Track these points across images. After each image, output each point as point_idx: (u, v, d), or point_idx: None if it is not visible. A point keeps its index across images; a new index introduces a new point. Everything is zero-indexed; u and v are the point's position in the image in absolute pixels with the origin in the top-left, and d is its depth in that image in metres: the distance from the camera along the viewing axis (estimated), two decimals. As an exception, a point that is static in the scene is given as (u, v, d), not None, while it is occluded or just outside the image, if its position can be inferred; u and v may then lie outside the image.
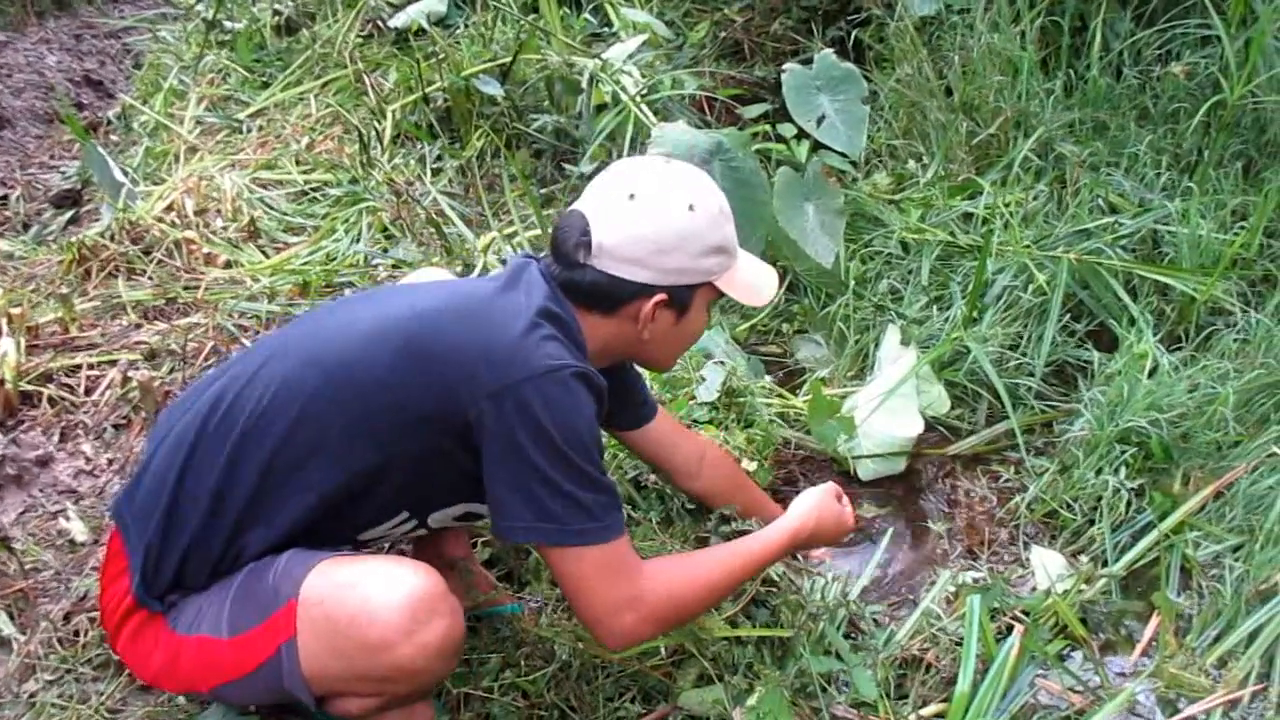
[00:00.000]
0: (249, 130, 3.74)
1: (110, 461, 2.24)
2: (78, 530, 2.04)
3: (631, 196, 1.45)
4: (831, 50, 3.20)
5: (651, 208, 1.45)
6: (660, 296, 1.48)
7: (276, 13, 4.35)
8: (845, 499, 1.76)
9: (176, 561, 1.39)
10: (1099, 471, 2.28)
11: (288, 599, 1.32)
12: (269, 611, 1.33)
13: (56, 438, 2.30)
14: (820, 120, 2.87)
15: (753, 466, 2.21)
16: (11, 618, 1.84)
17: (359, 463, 1.39)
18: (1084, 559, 2.17)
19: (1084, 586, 2.06)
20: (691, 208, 1.46)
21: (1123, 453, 2.28)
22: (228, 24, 4.41)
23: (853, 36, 3.81)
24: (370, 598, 1.29)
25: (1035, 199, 2.95)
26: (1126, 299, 2.62)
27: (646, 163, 1.54)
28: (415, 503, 1.50)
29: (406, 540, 1.90)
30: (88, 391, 2.43)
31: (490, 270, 2.76)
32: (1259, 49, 2.85)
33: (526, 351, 1.36)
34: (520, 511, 1.36)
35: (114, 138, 4.27)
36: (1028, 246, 2.74)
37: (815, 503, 1.68)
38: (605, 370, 1.58)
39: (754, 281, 1.60)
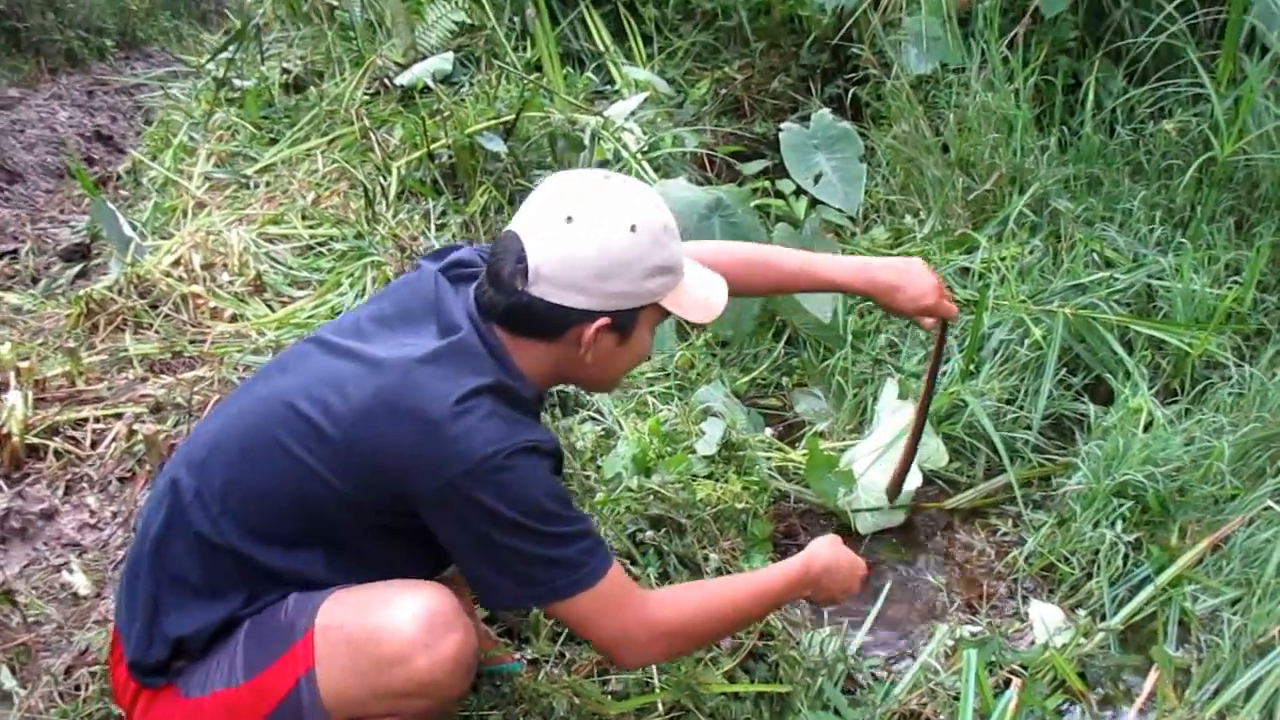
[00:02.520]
0: (256, 186, 3.79)
1: (114, 515, 2.25)
2: (80, 584, 2.05)
3: (569, 219, 1.37)
4: (829, 109, 3.27)
5: (591, 231, 1.36)
6: (603, 321, 1.40)
7: (285, 71, 4.43)
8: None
9: (168, 645, 1.39)
10: (1096, 525, 2.29)
11: (305, 630, 1.34)
12: (287, 645, 1.35)
13: (61, 491, 2.32)
14: (818, 178, 2.92)
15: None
16: (13, 671, 1.84)
17: (338, 552, 1.41)
18: (1082, 613, 2.18)
19: (1082, 640, 2.06)
20: (633, 229, 1.37)
21: (1120, 506, 2.29)
22: (237, 82, 4.50)
23: (850, 94, 3.89)
24: (388, 614, 1.32)
25: (1031, 254, 2.99)
26: (1122, 353, 2.65)
27: (585, 180, 1.45)
28: (420, 565, 1.48)
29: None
30: (93, 445, 2.45)
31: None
32: (1248, 107, 2.90)
33: (460, 444, 1.31)
34: (502, 585, 1.37)
35: (123, 192, 4.34)
36: (1024, 301, 2.78)
37: (829, 544, 1.65)
38: None
39: (702, 297, 1.52)
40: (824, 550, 1.63)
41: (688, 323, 1.64)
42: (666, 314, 1.51)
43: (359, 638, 1.32)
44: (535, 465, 1.35)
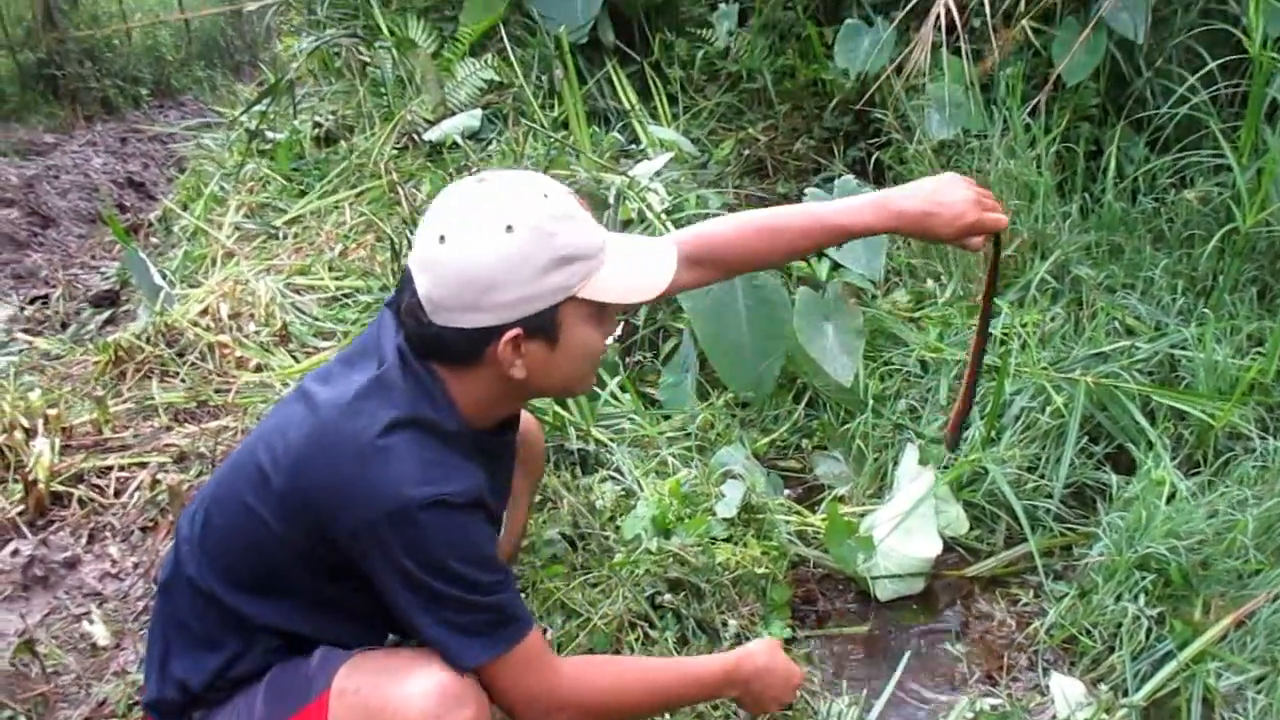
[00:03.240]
0: (285, 237, 3.86)
1: (135, 565, 2.27)
2: (100, 634, 2.06)
3: (442, 239, 1.30)
4: (852, 174, 3.29)
5: (463, 245, 1.29)
6: (512, 333, 1.32)
7: (317, 124, 4.52)
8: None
9: (176, 687, 1.43)
10: (1118, 598, 2.27)
11: (321, 692, 1.35)
12: (303, 703, 1.36)
13: (85, 539, 2.35)
14: (840, 243, 2.93)
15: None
16: (31, 722, 1.85)
17: (300, 599, 1.43)
18: (1104, 687, 2.15)
19: (1104, 716, 2.04)
20: (510, 229, 1.28)
21: (1142, 579, 2.27)
22: (269, 134, 4.58)
23: (873, 157, 3.92)
24: (403, 685, 1.32)
25: (1052, 320, 3.00)
26: (1144, 423, 2.64)
27: (457, 192, 1.36)
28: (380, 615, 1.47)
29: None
30: (117, 493, 2.48)
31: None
32: (1270, 179, 2.91)
33: (374, 488, 1.29)
34: (436, 647, 1.35)
35: (154, 240, 4.42)
36: (1045, 368, 2.78)
37: (767, 647, 1.63)
38: None
39: (630, 280, 1.41)
40: (760, 653, 1.60)
41: (620, 311, 1.53)
42: (597, 304, 1.39)
43: (372, 707, 1.32)
44: (443, 521, 1.29)
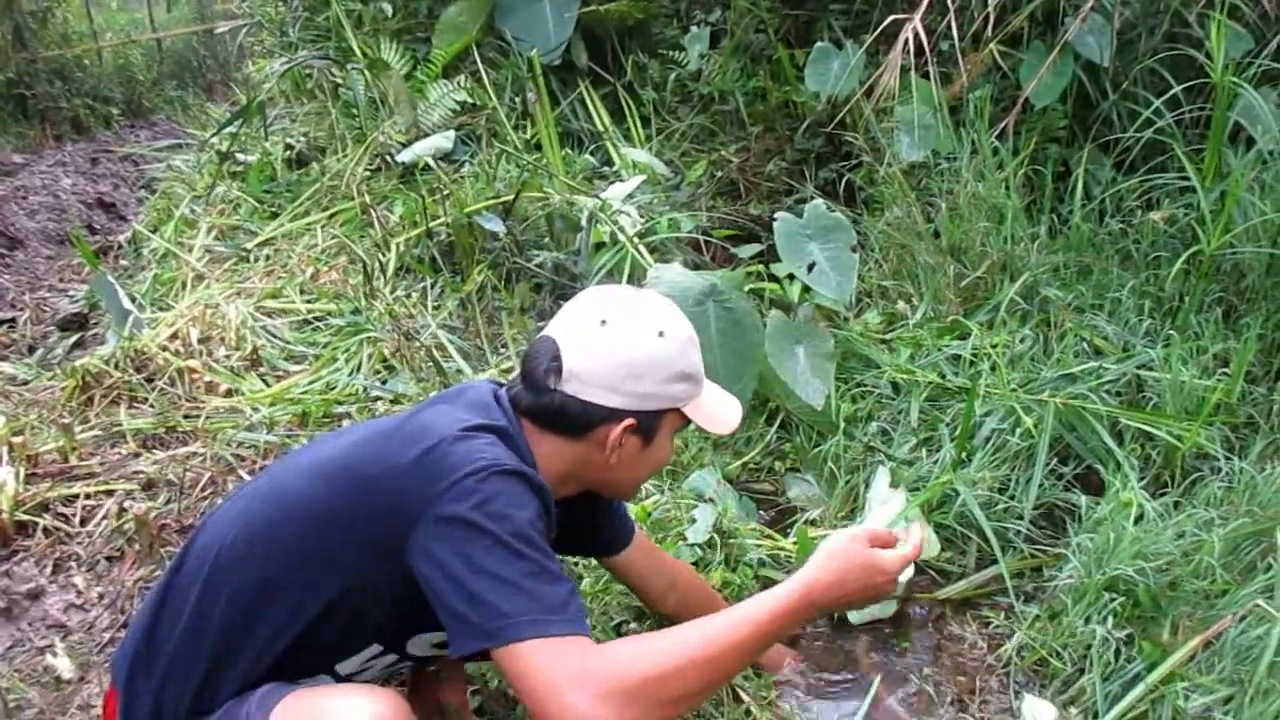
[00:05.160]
0: (256, 259, 3.84)
1: (101, 596, 2.24)
2: (64, 667, 2.03)
3: (603, 323, 1.48)
4: (822, 199, 3.32)
5: (623, 333, 1.48)
6: (629, 421, 1.49)
7: (288, 146, 4.51)
8: (900, 543, 1.48)
9: (149, 707, 1.43)
10: (1088, 620, 2.28)
11: None
12: None
13: (49, 570, 2.32)
14: (811, 267, 2.96)
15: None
16: (-8, 759, 1.82)
17: (316, 595, 1.41)
18: (1075, 710, 2.16)
19: (1075, 739, 2.04)
20: (662, 334, 1.49)
21: (1111, 600, 2.28)
22: (240, 156, 4.57)
23: (844, 179, 3.95)
24: (336, 717, 1.29)
25: (1021, 342, 3.02)
26: (1112, 444, 2.66)
27: (618, 291, 1.57)
28: (382, 632, 1.50)
29: (397, 679, 1.91)
30: (83, 522, 2.45)
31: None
32: (1234, 201, 2.95)
33: (455, 455, 1.34)
34: (466, 616, 1.26)
35: (123, 262, 4.39)
36: (1014, 390, 2.80)
37: (831, 549, 1.41)
38: (575, 498, 1.62)
39: (719, 411, 1.62)
40: (824, 561, 1.40)
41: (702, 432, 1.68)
42: (686, 423, 1.58)
43: None
44: (521, 489, 1.35)
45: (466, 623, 1.27)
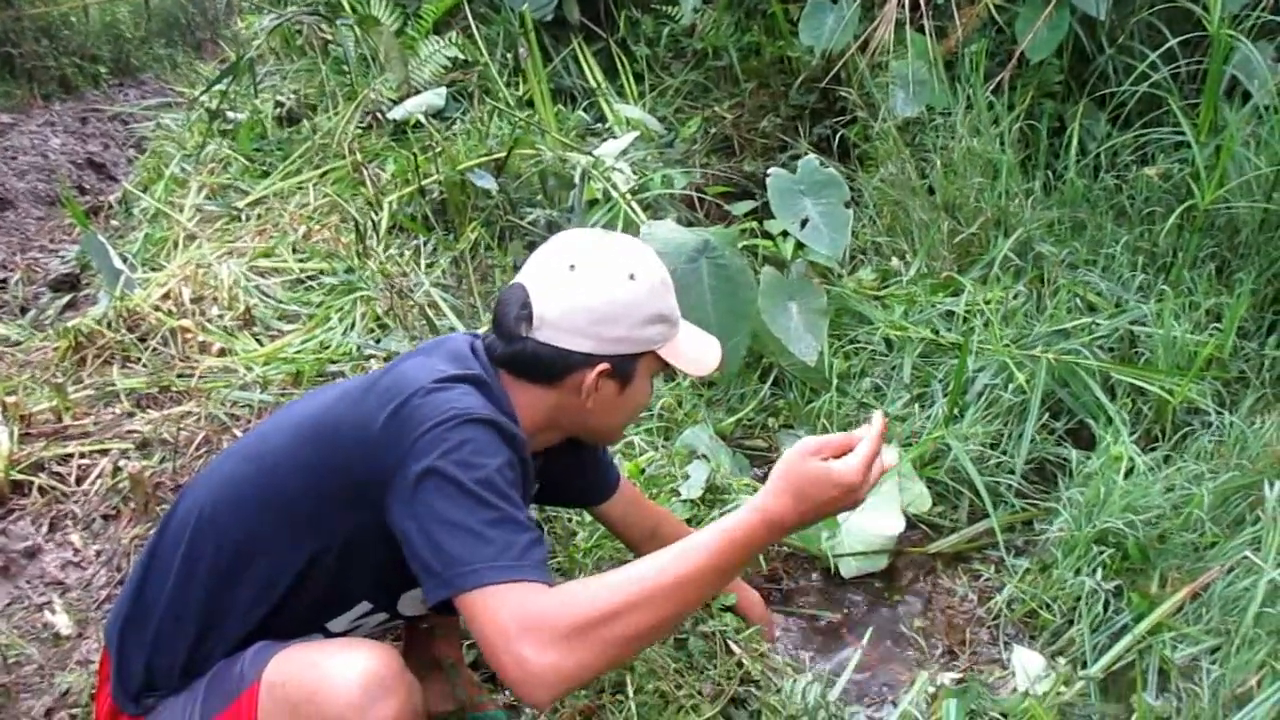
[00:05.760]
0: (247, 219, 3.82)
1: (98, 553, 2.25)
2: (63, 624, 2.05)
3: (572, 267, 1.47)
4: (815, 154, 3.30)
5: (592, 277, 1.46)
6: (603, 366, 1.48)
7: (278, 104, 4.47)
8: (859, 448, 1.29)
9: (142, 667, 1.44)
10: (1078, 572, 2.30)
11: (251, 683, 1.35)
12: (234, 696, 1.36)
13: (45, 528, 2.32)
14: (804, 223, 2.95)
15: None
16: (-7, 714, 1.84)
17: (299, 552, 1.41)
18: (1063, 660, 2.18)
19: (1062, 688, 2.07)
20: (632, 276, 1.48)
21: (1101, 553, 2.30)
22: (230, 114, 4.53)
23: (838, 135, 3.93)
24: (327, 675, 1.30)
25: (1015, 298, 3.02)
26: (1104, 399, 2.67)
27: (587, 234, 1.56)
28: (369, 589, 1.51)
29: (392, 634, 1.92)
30: (78, 481, 2.45)
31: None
32: (1228, 156, 2.94)
33: (427, 407, 1.33)
34: (430, 565, 1.25)
35: (114, 222, 4.36)
36: (1007, 345, 2.80)
37: (781, 469, 1.29)
38: (558, 448, 1.63)
39: (696, 353, 1.60)
40: (779, 482, 1.28)
41: (678, 372, 1.64)
42: (663, 365, 1.56)
43: (298, 697, 1.31)
44: (493, 439, 1.32)
45: (430, 572, 1.25)
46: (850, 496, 1.27)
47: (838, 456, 1.28)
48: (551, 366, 1.47)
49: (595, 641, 1.18)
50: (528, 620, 1.18)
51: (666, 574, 1.22)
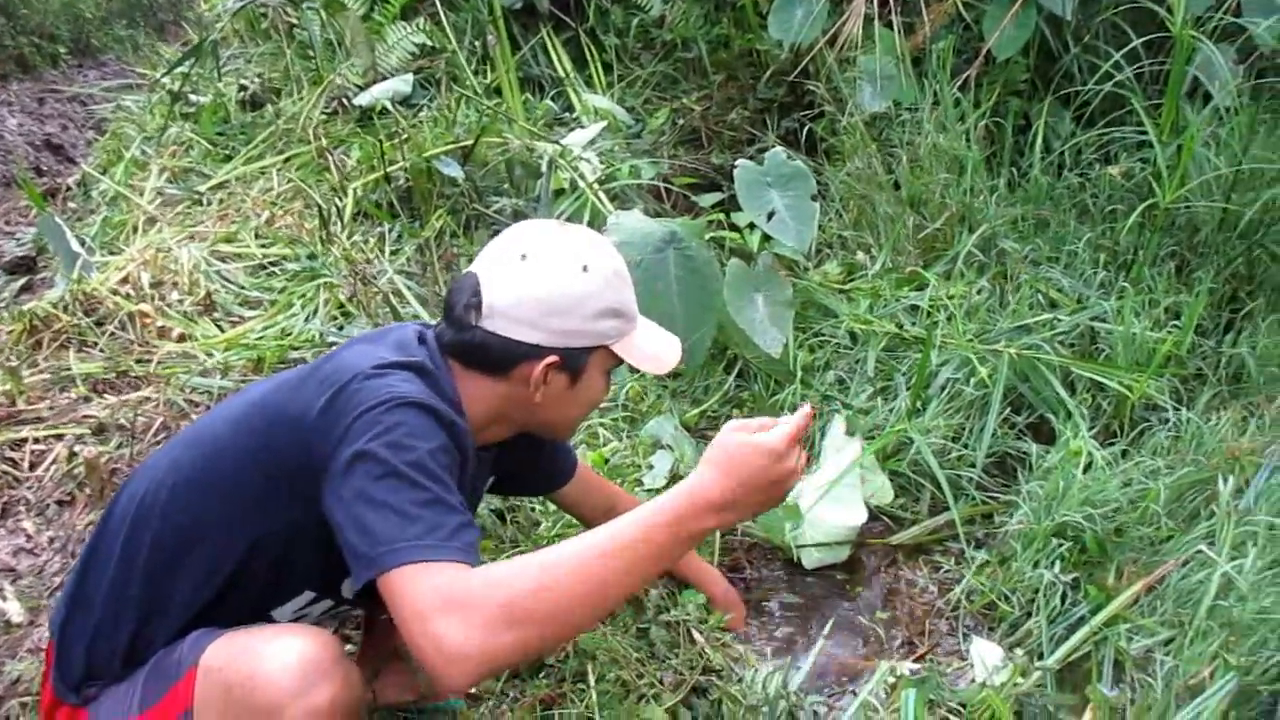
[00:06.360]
0: (209, 203, 3.77)
1: (51, 540, 2.22)
2: (14, 611, 2.01)
3: (524, 257, 1.45)
4: (782, 147, 3.30)
5: (544, 268, 1.44)
6: (551, 359, 1.45)
7: (242, 88, 4.42)
8: (787, 427, 1.29)
9: (83, 657, 1.42)
10: (1036, 564, 2.33)
11: (189, 668, 1.33)
12: (172, 682, 1.34)
13: (-3, 514, 2.29)
14: (770, 215, 2.95)
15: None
16: (-60, 702, 1.81)
17: (240, 539, 1.40)
18: (1020, 651, 2.20)
19: (1020, 679, 2.09)
20: (586, 268, 1.46)
21: (1059, 546, 2.33)
22: (193, 97, 4.46)
23: (806, 129, 3.94)
24: (263, 661, 1.28)
25: (978, 293, 3.05)
26: (1064, 394, 2.70)
27: (542, 225, 1.53)
28: (311, 576, 1.49)
29: (353, 623, 1.91)
30: (32, 466, 2.42)
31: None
32: (1189, 156, 2.98)
33: (363, 392, 1.30)
34: (356, 547, 1.21)
35: (73, 205, 4.29)
36: (970, 340, 2.82)
37: (710, 449, 1.29)
38: (510, 441, 1.61)
39: (653, 349, 1.57)
40: (711, 464, 1.27)
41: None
42: (618, 362, 1.54)
43: (234, 681, 1.29)
44: (430, 425, 1.30)
45: (357, 554, 1.21)
46: (778, 466, 1.26)
47: None
48: (500, 357, 1.46)
49: (520, 622, 1.13)
50: (448, 601, 1.13)
51: (592, 553, 1.18)
